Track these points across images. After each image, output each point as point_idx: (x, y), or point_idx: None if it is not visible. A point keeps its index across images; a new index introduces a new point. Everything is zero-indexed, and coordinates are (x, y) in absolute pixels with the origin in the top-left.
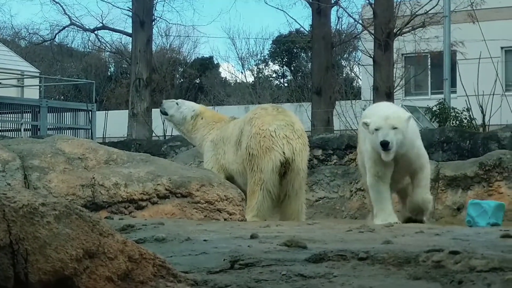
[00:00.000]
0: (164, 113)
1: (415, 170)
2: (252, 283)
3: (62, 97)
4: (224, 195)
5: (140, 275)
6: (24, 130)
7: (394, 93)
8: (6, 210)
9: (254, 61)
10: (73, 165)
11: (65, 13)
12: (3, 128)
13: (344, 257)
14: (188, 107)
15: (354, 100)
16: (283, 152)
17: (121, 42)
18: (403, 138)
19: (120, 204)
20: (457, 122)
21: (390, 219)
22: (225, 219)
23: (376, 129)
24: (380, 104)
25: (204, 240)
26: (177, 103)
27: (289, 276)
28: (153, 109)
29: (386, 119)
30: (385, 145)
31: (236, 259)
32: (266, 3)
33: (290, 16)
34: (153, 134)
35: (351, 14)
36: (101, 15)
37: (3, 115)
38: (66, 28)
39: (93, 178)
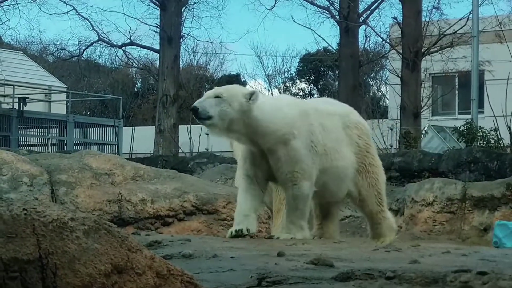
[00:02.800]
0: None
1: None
2: None
3: (88, 113)
4: None
5: None
6: (51, 145)
7: (421, 113)
8: (35, 224)
9: (281, 79)
10: (100, 181)
11: (93, 29)
12: (30, 143)
13: (372, 276)
14: None
15: (381, 119)
16: None
17: (148, 59)
18: (233, 112)
19: (147, 220)
20: (485, 142)
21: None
22: (251, 237)
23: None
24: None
25: (231, 257)
26: None
27: None
28: (179, 126)
29: (216, 89)
30: (193, 110)
31: (263, 276)
32: (294, 21)
33: (318, 34)
34: (180, 151)
35: (379, 33)
36: (129, 31)
37: (30, 129)
38: (94, 44)
39: (120, 193)
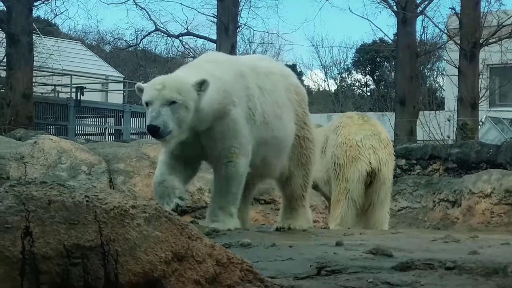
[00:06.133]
0: None
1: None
2: None
3: None
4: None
5: (228, 279)
6: (108, 134)
7: (479, 104)
8: (97, 211)
9: (337, 69)
10: None
11: (150, 19)
12: (87, 132)
13: (431, 266)
14: None
15: (438, 111)
16: (370, 162)
17: (205, 48)
18: (189, 115)
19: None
20: None
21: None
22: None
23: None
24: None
25: (290, 246)
26: None
27: (376, 284)
28: None
29: (165, 91)
30: (152, 131)
31: (323, 265)
32: (351, 12)
33: (374, 25)
34: None
35: (437, 24)
36: (186, 21)
37: (87, 119)
38: (151, 34)
39: None
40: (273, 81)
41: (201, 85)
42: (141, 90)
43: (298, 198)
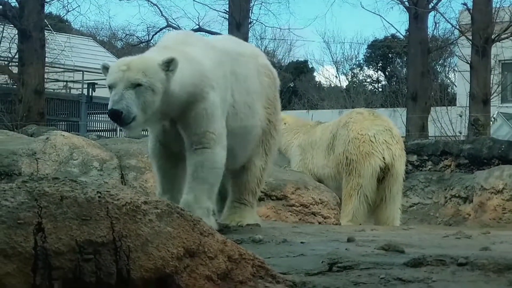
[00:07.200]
0: None
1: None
2: (351, 286)
3: None
4: (319, 199)
5: (240, 275)
6: (119, 130)
7: (491, 100)
8: (109, 207)
9: (349, 65)
10: None
11: (162, 15)
12: (99, 128)
13: (443, 262)
14: None
15: (450, 106)
16: (383, 158)
17: None
18: (157, 99)
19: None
20: None
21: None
22: (319, 223)
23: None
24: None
25: (301, 242)
26: None
27: (388, 280)
28: None
29: (128, 71)
30: (114, 115)
31: (334, 261)
32: (363, 7)
33: (386, 21)
34: None
35: (449, 20)
36: (198, 17)
37: (99, 115)
38: (163, 30)
39: None
40: (245, 65)
41: (169, 64)
42: (106, 69)
43: (250, 192)
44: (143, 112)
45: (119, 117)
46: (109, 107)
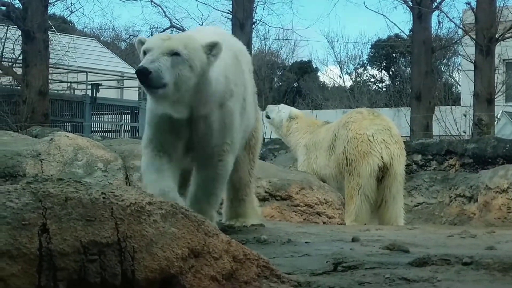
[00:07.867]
0: (267, 116)
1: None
2: (356, 285)
3: None
4: (324, 199)
5: (244, 275)
6: (124, 131)
7: (495, 99)
8: (114, 208)
9: (353, 65)
10: None
11: (166, 16)
12: (103, 129)
13: (448, 262)
14: (286, 111)
15: (454, 106)
16: (381, 157)
17: None
18: (193, 77)
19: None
20: None
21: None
22: (324, 223)
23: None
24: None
25: (306, 242)
26: (278, 107)
27: (393, 280)
28: None
29: (168, 39)
30: (141, 73)
31: (339, 261)
32: (366, 7)
33: (390, 20)
34: None
35: (452, 19)
36: (201, 18)
37: (103, 116)
38: (166, 30)
39: None
40: (238, 63)
41: (212, 48)
42: (141, 43)
43: (245, 185)
44: (175, 85)
45: (146, 77)
46: (139, 65)
